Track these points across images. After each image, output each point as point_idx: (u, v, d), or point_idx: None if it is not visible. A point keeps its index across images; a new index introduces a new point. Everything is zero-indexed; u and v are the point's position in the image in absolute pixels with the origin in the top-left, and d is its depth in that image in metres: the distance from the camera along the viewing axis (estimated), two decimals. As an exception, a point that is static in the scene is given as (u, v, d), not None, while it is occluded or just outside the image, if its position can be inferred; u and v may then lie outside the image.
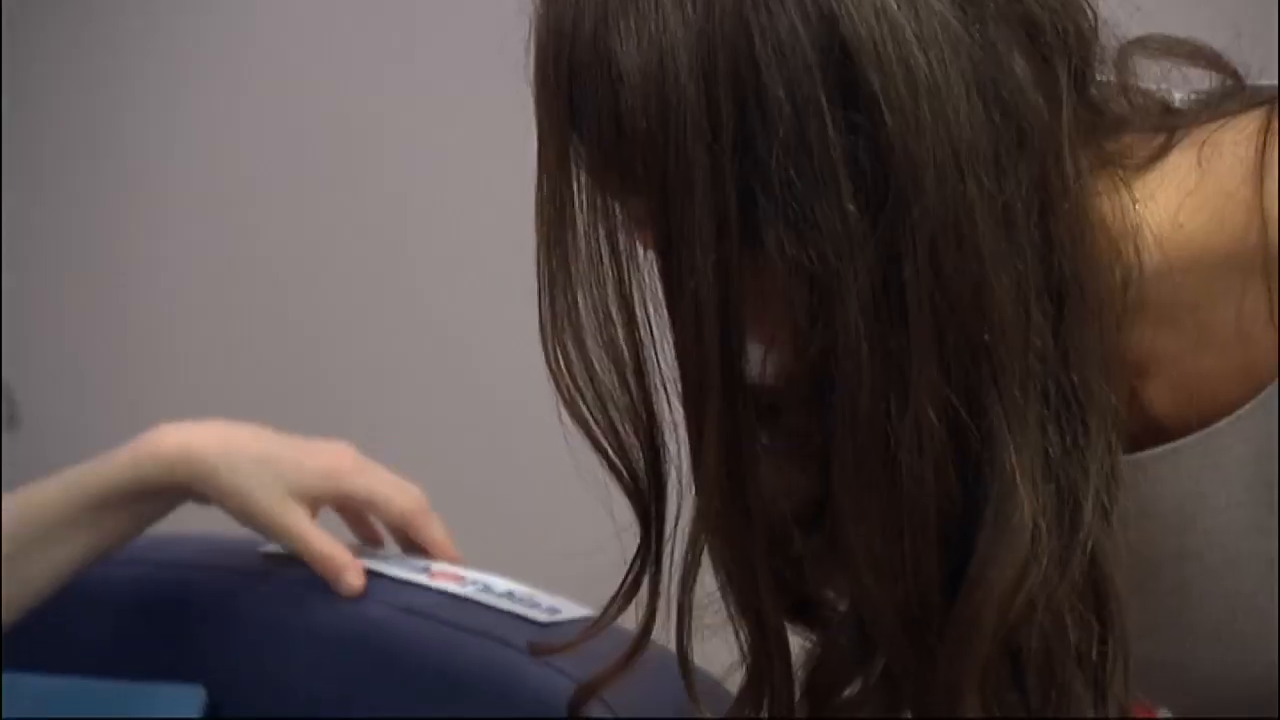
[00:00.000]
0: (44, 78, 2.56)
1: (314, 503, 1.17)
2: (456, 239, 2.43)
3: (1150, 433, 0.86)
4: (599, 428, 0.84)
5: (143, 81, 2.55)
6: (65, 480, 1.18)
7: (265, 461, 1.18)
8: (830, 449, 0.80)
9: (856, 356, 0.78)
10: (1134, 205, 0.84)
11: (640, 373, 0.83)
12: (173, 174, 2.62)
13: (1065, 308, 0.81)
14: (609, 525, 0.97)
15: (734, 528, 0.83)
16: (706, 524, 0.83)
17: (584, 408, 0.84)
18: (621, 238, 0.82)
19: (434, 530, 1.19)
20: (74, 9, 2.55)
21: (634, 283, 0.82)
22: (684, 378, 0.81)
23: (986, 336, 0.78)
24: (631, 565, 0.87)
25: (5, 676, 1.22)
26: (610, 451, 0.85)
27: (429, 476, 1.37)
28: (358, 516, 1.21)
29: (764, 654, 0.86)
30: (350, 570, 1.16)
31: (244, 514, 1.15)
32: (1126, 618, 0.82)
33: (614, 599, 0.88)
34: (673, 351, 0.82)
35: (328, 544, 1.16)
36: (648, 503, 0.86)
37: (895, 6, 0.78)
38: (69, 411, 2.59)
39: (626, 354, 0.83)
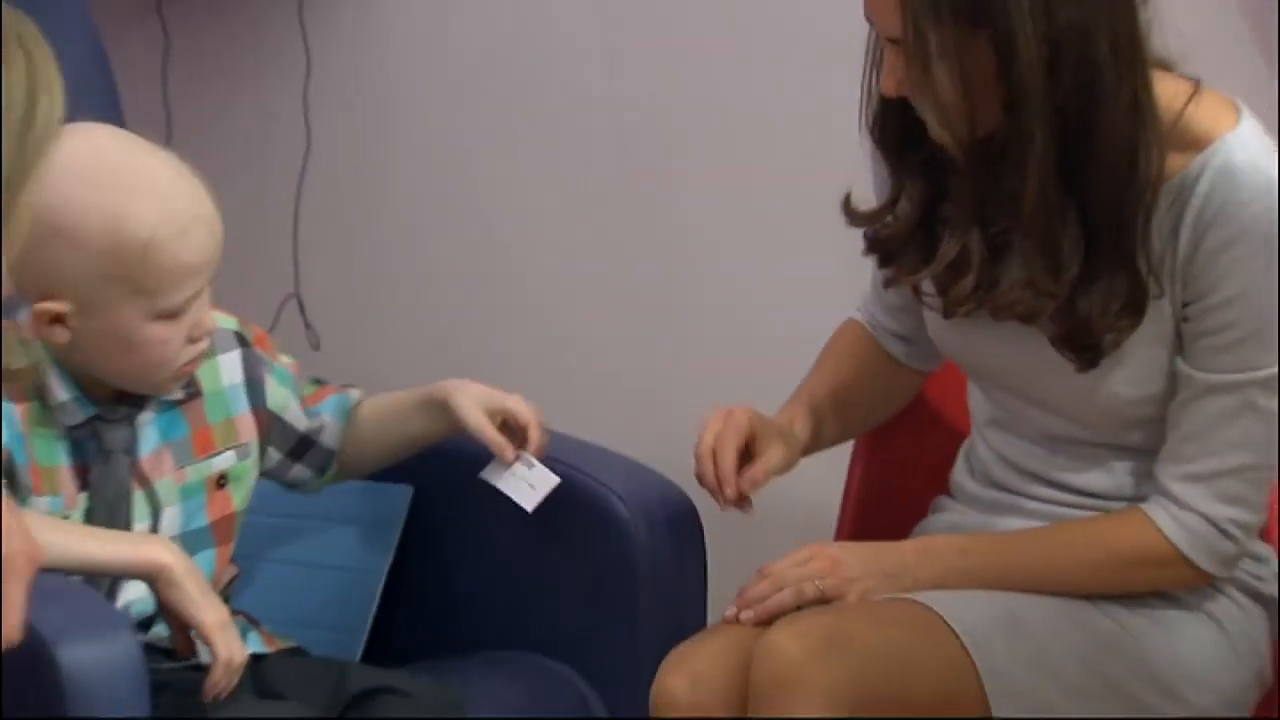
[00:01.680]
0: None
1: (493, 415, 2.09)
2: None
3: None
4: (946, 121, 1.80)
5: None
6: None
7: (474, 395, 2.09)
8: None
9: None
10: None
11: (969, 96, 1.80)
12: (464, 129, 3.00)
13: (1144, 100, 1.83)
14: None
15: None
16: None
17: (936, 106, 1.79)
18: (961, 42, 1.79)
19: (538, 432, 2.10)
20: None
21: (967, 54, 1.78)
22: (1017, 100, 1.80)
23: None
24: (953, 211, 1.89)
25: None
26: (946, 125, 1.80)
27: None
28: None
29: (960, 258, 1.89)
30: (508, 449, 2.08)
31: (468, 425, 2.08)
32: None
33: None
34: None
35: (499, 437, 2.08)
36: (970, 159, 1.83)
37: None
38: (357, 337, 3.17)
39: (958, 90, 1.78)
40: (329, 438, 2.14)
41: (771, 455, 2.04)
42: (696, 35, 2.72)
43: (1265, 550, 2.05)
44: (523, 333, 3.05)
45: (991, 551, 1.98)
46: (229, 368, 2.06)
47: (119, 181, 1.94)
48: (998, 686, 1.91)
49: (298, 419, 2.12)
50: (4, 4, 1.43)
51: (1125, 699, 1.96)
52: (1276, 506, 2.07)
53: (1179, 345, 1.92)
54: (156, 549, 1.96)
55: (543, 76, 2.94)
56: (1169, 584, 1.96)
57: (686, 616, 2.09)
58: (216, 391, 2.05)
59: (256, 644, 2.06)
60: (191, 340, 1.98)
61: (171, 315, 1.95)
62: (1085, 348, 1.91)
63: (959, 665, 1.91)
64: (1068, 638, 1.94)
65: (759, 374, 2.28)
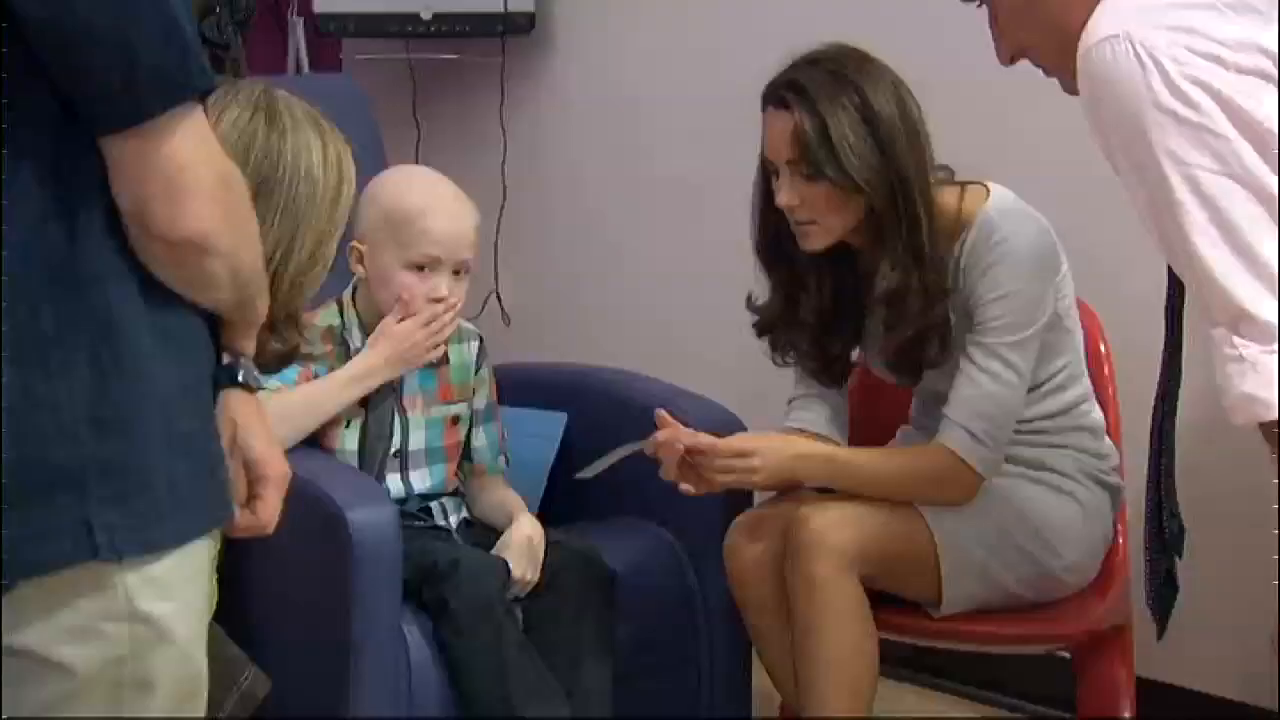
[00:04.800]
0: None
1: None
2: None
3: None
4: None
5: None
6: None
7: None
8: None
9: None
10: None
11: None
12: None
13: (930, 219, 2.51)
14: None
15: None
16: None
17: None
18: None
19: None
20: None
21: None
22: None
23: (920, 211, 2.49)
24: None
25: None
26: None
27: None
28: None
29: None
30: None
31: None
32: None
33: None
34: None
35: None
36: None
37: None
38: (532, 318, 3.77)
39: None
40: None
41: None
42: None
43: (1109, 448, 2.71)
44: (640, 319, 3.69)
45: (833, 469, 2.55)
46: (469, 353, 2.76)
47: (406, 182, 2.64)
48: (946, 546, 2.54)
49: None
50: (325, 118, 1.81)
51: (1022, 553, 2.59)
52: (1117, 419, 2.73)
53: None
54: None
55: (666, 155, 3.62)
56: (956, 488, 2.50)
57: (739, 500, 2.73)
58: (459, 364, 2.74)
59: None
60: (430, 299, 2.57)
61: (418, 267, 2.60)
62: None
63: (923, 534, 2.54)
64: (990, 513, 2.56)
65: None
